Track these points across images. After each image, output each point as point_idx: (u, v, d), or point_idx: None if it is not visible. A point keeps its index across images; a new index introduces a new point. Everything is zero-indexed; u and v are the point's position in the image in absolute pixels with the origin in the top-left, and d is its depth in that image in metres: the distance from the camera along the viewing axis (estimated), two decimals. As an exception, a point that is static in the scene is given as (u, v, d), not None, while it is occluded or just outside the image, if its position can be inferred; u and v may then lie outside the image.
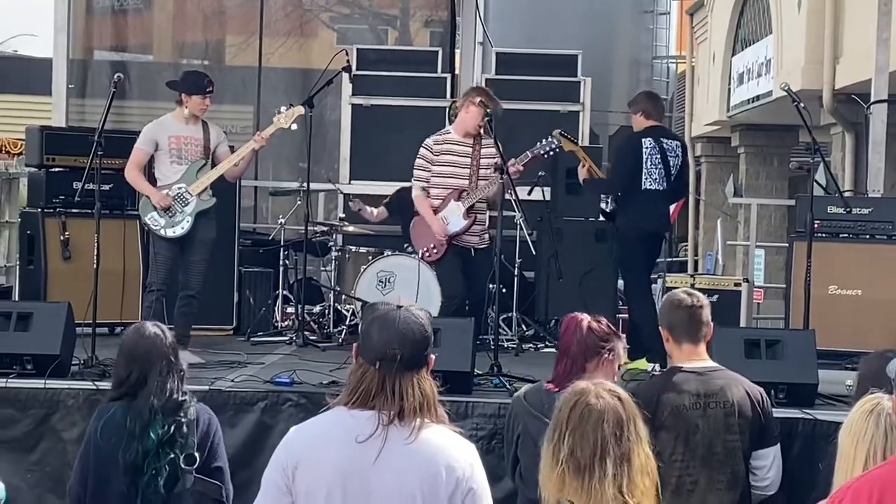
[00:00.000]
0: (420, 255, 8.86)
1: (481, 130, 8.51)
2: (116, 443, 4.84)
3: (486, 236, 8.54)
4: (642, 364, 8.35)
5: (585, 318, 5.06)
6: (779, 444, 5.55)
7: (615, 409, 3.29)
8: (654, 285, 10.00)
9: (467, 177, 8.61)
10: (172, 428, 4.83)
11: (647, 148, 8.65)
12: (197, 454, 4.86)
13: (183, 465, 4.82)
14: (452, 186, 8.64)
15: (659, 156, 8.68)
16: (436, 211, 8.65)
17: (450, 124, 8.98)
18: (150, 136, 8.47)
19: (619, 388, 3.42)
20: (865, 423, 3.50)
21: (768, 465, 5.44)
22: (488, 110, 8.46)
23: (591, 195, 9.83)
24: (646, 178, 8.64)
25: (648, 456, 3.30)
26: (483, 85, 8.55)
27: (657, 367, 7.86)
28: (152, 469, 4.81)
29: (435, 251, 8.71)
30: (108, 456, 4.83)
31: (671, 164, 8.71)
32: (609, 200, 9.92)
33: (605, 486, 3.24)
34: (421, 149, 8.69)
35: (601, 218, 10.12)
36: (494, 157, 8.45)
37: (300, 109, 8.71)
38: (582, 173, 8.91)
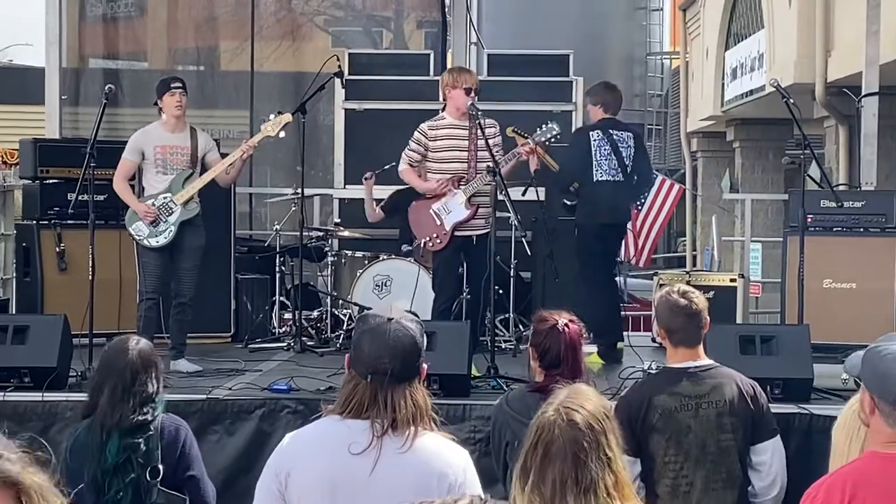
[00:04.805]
0: (422, 245, 8.76)
1: (470, 111, 8.40)
2: (82, 462, 4.79)
3: (491, 220, 8.33)
4: (595, 359, 8.42)
5: (563, 320, 4.99)
6: (779, 438, 5.46)
7: (578, 441, 3.16)
8: (618, 277, 10.05)
9: (466, 160, 8.52)
10: (129, 451, 4.75)
11: (594, 140, 8.77)
12: (161, 467, 4.80)
13: (148, 479, 4.77)
14: (452, 171, 8.54)
15: (609, 147, 8.78)
16: (435, 199, 8.59)
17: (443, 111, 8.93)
18: (135, 146, 8.48)
19: (591, 404, 3.26)
20: (858, 420, 3.48)
21: (768, 461, 5.35)
22: (468, 87, 8.42)
23: (552, 191, 9.79)
24: (596, 171, 8.78)
25: (620, 474, 3.19)
26: (475, 85, 8.49)
27: (653, 364, 7.86)
28: (115, 489, 4.75)
29: (438, 240, 8.58)
30: (77, 476, 4.76)
31: (623, 154, 8.82)
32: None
33: None
34: (416, 132, 8.64)
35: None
36: (496, 137, 8.45)
37: (287, 117, 8.71)
38: (532, 163, 8.87)
